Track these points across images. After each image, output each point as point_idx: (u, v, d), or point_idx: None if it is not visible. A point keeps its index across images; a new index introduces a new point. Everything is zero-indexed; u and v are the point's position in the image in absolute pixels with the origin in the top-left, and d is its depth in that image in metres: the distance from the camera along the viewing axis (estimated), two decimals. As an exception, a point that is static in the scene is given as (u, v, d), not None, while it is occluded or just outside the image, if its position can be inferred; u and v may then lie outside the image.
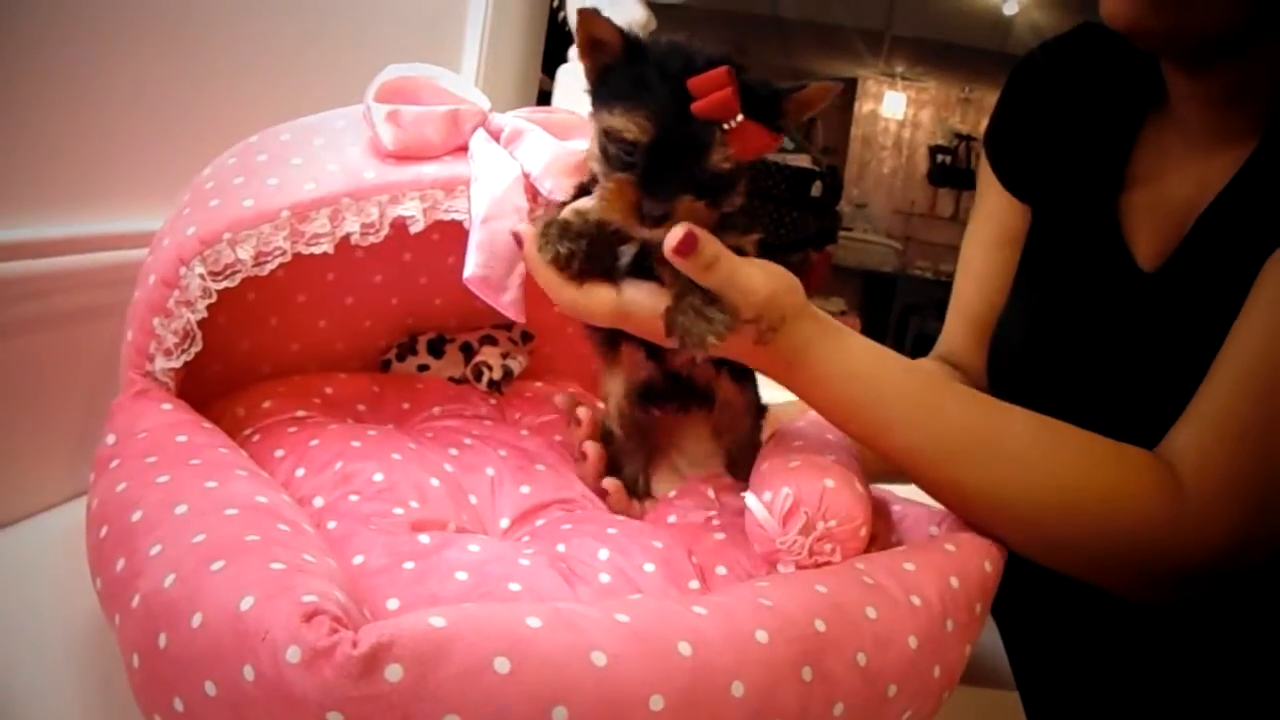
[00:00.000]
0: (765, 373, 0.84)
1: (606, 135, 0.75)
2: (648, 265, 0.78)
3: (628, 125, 0.73)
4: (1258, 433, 0.80)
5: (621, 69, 0.76)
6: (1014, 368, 1.13)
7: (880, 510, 0.88)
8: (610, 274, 0.79)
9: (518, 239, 0.81)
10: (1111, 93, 1.09)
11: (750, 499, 0.78)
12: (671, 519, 0.90)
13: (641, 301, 0.78)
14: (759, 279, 0.76)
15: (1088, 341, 1.04)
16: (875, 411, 0.82)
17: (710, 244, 0.74)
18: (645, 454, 1.00)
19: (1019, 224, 1.18)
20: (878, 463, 0.88)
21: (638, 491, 0.97)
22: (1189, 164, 1.00)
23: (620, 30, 0.76)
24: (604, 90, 0.78)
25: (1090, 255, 1.06)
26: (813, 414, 0.88)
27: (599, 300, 0.79)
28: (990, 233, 1.21)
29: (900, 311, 8.10)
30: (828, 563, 0.75)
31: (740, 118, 0.72)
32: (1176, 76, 0.99)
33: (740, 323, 0.76)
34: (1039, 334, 1.10)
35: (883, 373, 0.83)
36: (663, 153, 0.73)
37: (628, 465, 0.98)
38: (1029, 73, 1.18)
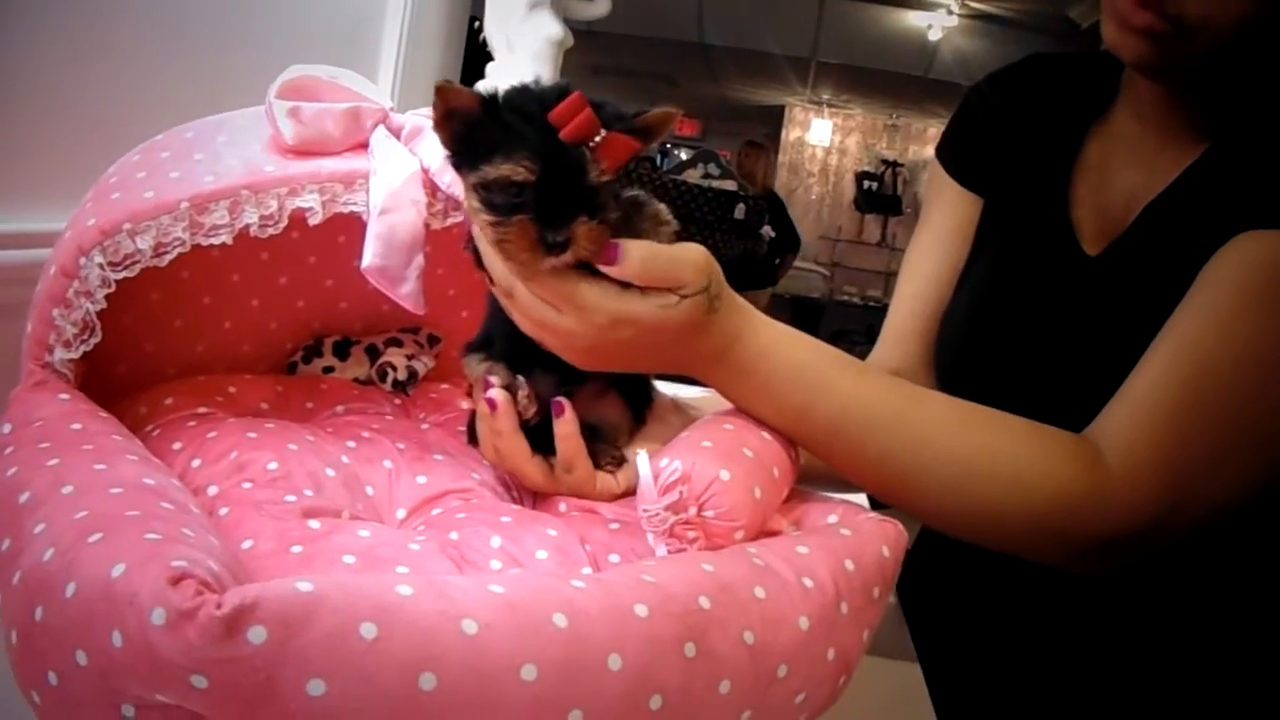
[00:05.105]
0: (692, 371, 0.85)
1: (491, 187, 0.78)
2: None
3: (515, 170, 0.76)
4: (1185, 414, 0.85)
5: (482, 125, 0.79)
6: (956, 355, 1.16)
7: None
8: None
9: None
10: (1060, 101, 1.15)
11: (641, 457, 0.78)
12: (562, 507, 0.91)
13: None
14: (693, 247, 0.80)
15: (1028, 321, 1.08)
16: (799, 386, 0.84)
17: (629, 245, 0.77)
18: None
19: (970, 215, 1.21)
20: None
21: None
22: (1139, 154, 1.05)
23: (476, 94, 0.80)
24: (472, 149, 0.80)
25: (1037, 236, 1.11)
26: None
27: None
28: (940, 225, 1.24)
29: (828, 337, 8.16)
30: (681, 550, 0.75)
31: (603, 133, 0.76)
32: (1144, 84, 1.03)
33: (695, 294, 0.79)
34: (982, 314, 1.14)
35: (804, 345, 0.86)
36: (549, 185, 0.77)
37: None
38: (981, 92, 1.24)
